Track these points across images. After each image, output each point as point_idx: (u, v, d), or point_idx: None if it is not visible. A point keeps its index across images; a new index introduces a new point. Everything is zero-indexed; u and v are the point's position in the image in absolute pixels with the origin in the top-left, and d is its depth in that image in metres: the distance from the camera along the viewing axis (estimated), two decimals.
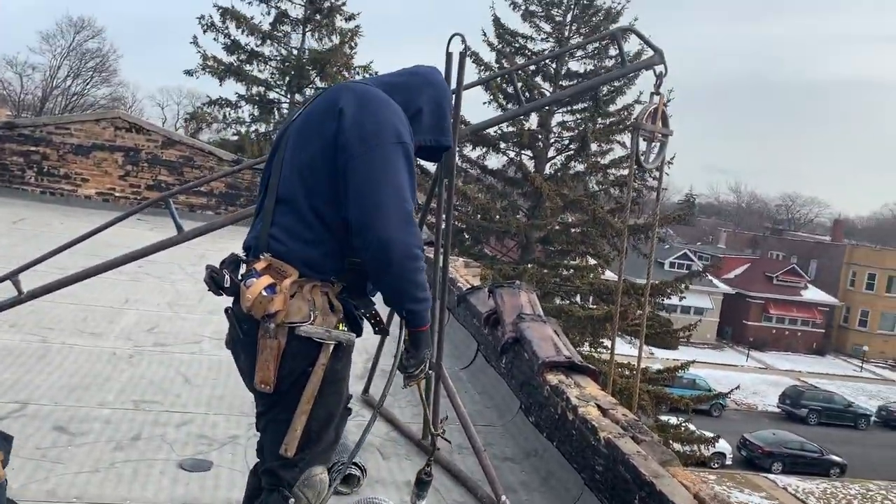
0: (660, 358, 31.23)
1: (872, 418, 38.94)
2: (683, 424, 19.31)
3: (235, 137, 23.78)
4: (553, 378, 4.68)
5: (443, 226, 4.21)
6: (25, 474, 3.61)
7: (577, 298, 21.45)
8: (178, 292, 7.71)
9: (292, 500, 2.38)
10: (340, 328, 2.39)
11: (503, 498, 3.91)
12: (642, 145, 5.04)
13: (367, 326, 2.57)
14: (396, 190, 2.32)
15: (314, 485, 2.42)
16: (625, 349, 21.45)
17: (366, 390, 5.31)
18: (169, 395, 4.93)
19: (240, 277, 2.41)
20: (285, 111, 24.08)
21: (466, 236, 22.42)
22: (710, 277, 46.51)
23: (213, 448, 4.23)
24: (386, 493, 3.77)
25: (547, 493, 4.19)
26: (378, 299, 2.55)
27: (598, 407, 4.17)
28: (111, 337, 5.97)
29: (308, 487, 2.40)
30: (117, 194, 12.58)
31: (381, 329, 2.61)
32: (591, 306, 20.78)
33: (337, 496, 3.84)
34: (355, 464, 3.95)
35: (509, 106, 20.53)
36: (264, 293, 2.28)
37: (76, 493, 3.56)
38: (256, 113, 24.61)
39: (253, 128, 24.32)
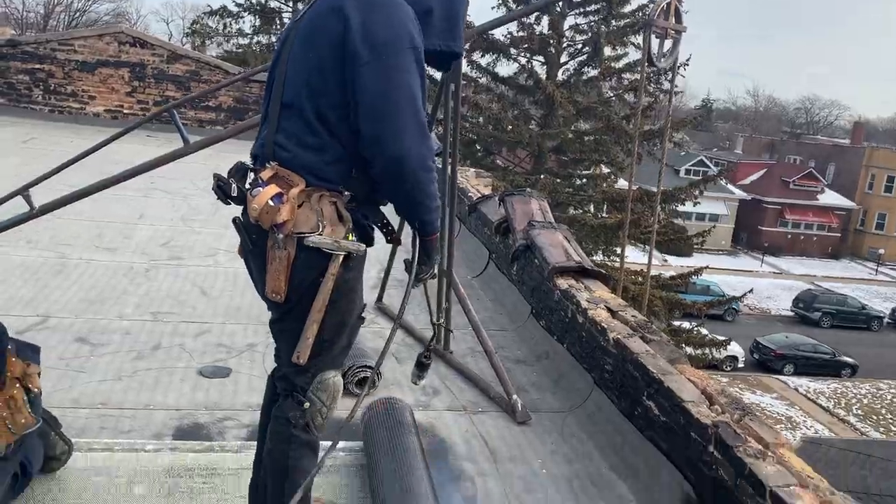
0: (674, 265, 31.31)
1: (886, 320, 39.19)
2: (696, 329, 19.53)
3: (239, 50, 23.33)
4: (563, 283, 4.71)
5: (450, 130, 4.15)
6: (50, 383, 3.72)
7: (591, 208, 21.38)
8: (190, 207, 7.75)
9: (307, 403, 2.43)
10: (350, 238, 2.37)
11: (514, 396, 4.01)
12: (655, 43, 4.89)
13: (379, 236, 2.55)
14: (410, 100, 2.23)
15: (327, 388, 2.46)
16: (638, 257, 21.52)
17: (379, 299, 5.39)
18: (186, 306, 5.03)
19: (247, 186, 2.39)
20: (287, 20, 23.52)
21: (478, 148, 22.19)
22: (726, 183, 46.10)
23: (232, 356, 4.34)
24: (401, 395, 3.87)
25: (557, 392, 4.28)
26: (388, 209, 2.53)
27: (608, 309, 4.21)
28: (127, 252, 6.04)
29: (321, 391, 2.44)
30: (125, 111, 12.47)
31: (394, 239, 2.60)
32: (603, 215, 20.72)
33: (353, 398, 3.95)
34: (370, 367, 4.04)
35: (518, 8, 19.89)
36: (271, 203, 2.26)
37: (100, 399, 3.69)
38: (258, 23, 24.03)
39: (255, 39, 23.80)
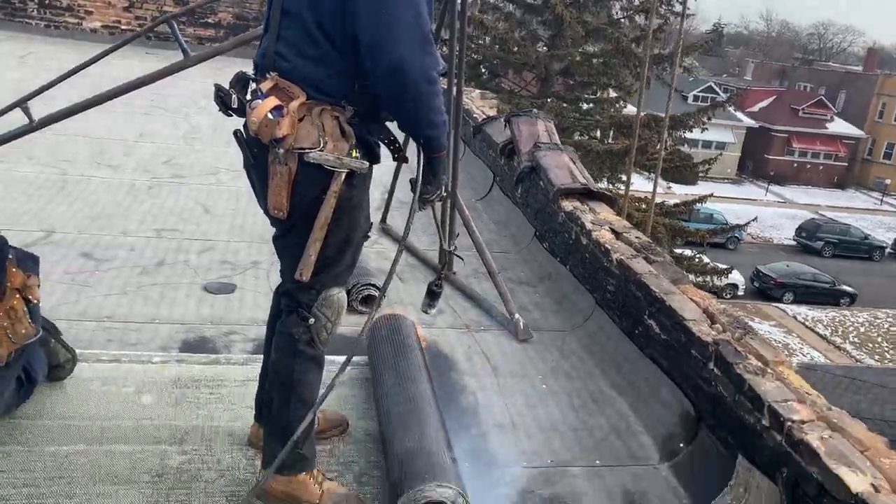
0: (678, 194, 31.13)
1: (888, 250, 39.22)
2: (697, 256, 19.58)
3: None
4: (568, 205, 4.69)
5: (456, 45, 4.05)
6: (56, 297, 3.75)
7: (597, 133, 21.11)
8: (192, 126, 7.66)
9: (311, 320, 2.43)
10: (354, 155, 2.32)
11: (516, 315, 4.05)
12: None
13: (385, 154, 2.50)
14: (411, 5, 2.17)
15: (332, 304, 2.46)
16: (643, 185, 21.39)
17: (383, 220, 5.37)
18: (189, 224, 5.03)
19: (247, 98, 2.34)
20: None
21: (483, 70, 21.74)
22: (734, 110, 45.41)
23: (237, 273, 4.36)
24: (405, 313, 3.90)
25: (559, 312, 4.32)
26: (393, 126, 2.48)
27: (612, 230, 4.20)
28: (128, 169, 6.01)
29: (326, 307, 2.45)
30: (123, 27, 12.19)
31: (401, 157, 2.54)
32: (610, 141, 20.48)
33: (358, 315, 3.99)
34: (374, 286, 4.07)
35: None
36: (270, 116, 2.20)
37: (107, 313, 3.72)
38: None
39: None
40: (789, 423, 2.43)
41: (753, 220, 23.68)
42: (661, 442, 3.11)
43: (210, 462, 2.71)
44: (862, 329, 28.76)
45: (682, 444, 3.03)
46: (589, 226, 4.26)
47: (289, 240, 2.42)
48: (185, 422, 2.92)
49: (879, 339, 28.07)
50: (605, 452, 3.08)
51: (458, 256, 2.92)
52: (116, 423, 2.85)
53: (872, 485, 2.13)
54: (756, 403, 2.60)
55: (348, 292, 4.04)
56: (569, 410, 3.36)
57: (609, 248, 3.93)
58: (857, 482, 2.14)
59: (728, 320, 3.10)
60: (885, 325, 29.47)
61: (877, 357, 25.96)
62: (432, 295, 2.93)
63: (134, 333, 3.57)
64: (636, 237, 4.06)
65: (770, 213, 42.24)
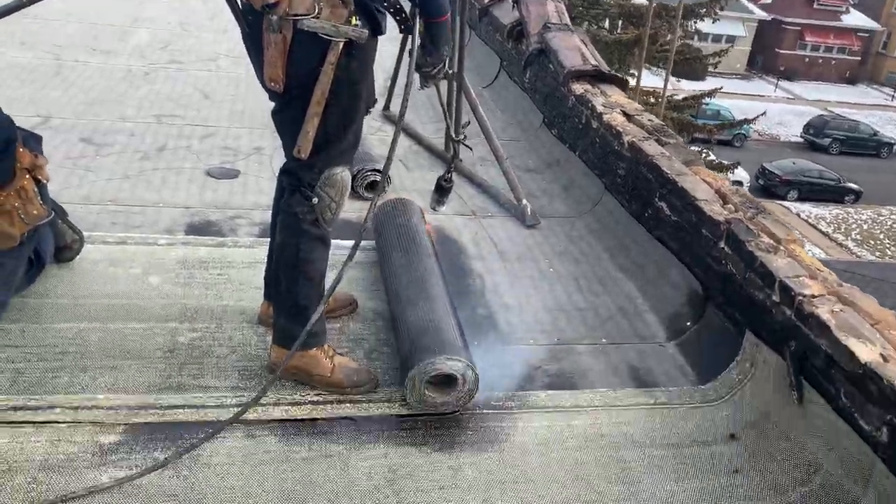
0: (686, 89, 30.51)
1: (895, 147, 38.67)
2: (704, 152, 19.35)
3: None
4: (578, 88, 4.55)
5: None
6: (59, 181, 3.69)
7: (606, 23, 20.44)
8: (189, 10, 7.38)
9: (315, 199, 2.38)
10: (353, 23, 2.21)
11: (524, 201, 4.01)
12: None
13: (391, 26, 2.37)
14: None
15: (335, 183, 2.40)
16: (651, 80, 20.85)
17: (386, 107, 5.25)
18: (189, 109, 4.91)
19: None
20: None
21: None
22: (746, 2, 43.83)
23: (239, 158, 4.29)
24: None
25: (567, 198, 4.27)
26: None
27: (624, 113, 4.09)
28: (124, 55, 5.82)
29: (329, 187, 2.38)
30: None
31: (407, 26, 2.41)
32: (619, 32, 19.85)
33: (362, 201, 3.95)
34: (380, 171, 4.00)
35: None
36: None
37: (110, 196, 3.68)
38: None
39: None
40: (800, 298, 2.42)
41: (762, 114, 23.26)
42: (667, 321, 3.13)
43: (221, 339, 2.73)
44: (865, 226, 28.75)
45: (688, 323, 3.04)
46: (600, 108, 4.15)
47: (287, 114, 2.33)
48: (195, 301, 2.92)
49: (882, 236, 28.11)
50: (612, 331, 3.10)
51: (465, 146, 2.80)
52: (126, 301, 2.86)
53: (882, 355, 2.14)
54: (767, 280, 2.59)
55: (353, 178, 3.98)
56: (575, 292, 3.36)
57: (620, 130, 3.84)
58: (866, 352, 2.15)
59: (741, 200, 3.06)
60: (889, 223, 29.43)
61: (878, 254, 26.08)
62: (441, 191, 2.85)
63: (138, 217, 3.54)
64: (648, 120, 3.96)
65: (778, 110, 41.44)
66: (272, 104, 2.39)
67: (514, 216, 4.03)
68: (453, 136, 2.90)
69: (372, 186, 3.99)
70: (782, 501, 2.27)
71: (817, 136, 37.62)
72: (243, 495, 2.11)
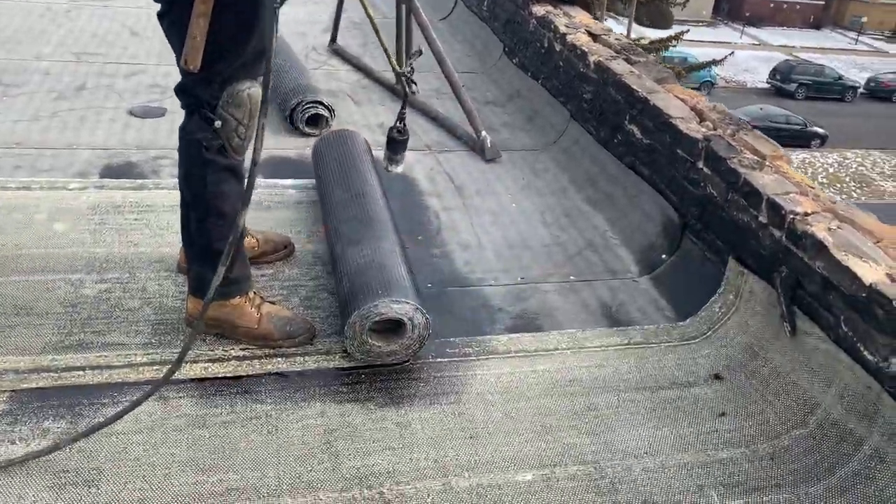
0: (651, 38, 30.10)
1: (860, 90, 38.81)
2: None
3: None
4: (539, 9, 4.18)
5: None
6: None
7: None
8: None
9: (217, 122, 1.99)
10: None
11: (483, 133, 3.66)
12: None
13: None
14: None
15: (241, 102, 1.99)
16: (616, 28, 20.40)
17: (333, 40, 4.84)
18: (115, 47, 4.45)
19: None
20: None
21: None
22: None
23: (167, 96, 3.86)
24: None
25: (531, 130, 3.93)
26: None
27: (589, 33, 3.73)
28: None
29: (234, 106, 1.98)
30: None
31: None
32: None
33: (304, 137, 3.58)
34: (323, 104, 3.62)
35: None
36: None
37: (16, 139, 3.27)
38: None
39: None
40: (792, 217, 2.12)
41: (730, 54, 22.97)
42: (640, 254, 2.83)
43: (133, 290, 2.37)
44: (831, 170, 28.86)
45: (663, 255, 2.75)
46: (563, 29, 3.79)
47: (173, 16, 1.92)
48: (105, 249, 2.56)
49: (847, 179, 28.26)
50: (580, 267, 2.79)
51: (412, 81, 2.28)
52: (24, 251, 2.49)
53: (888, 275, 1.85)
54: (753, 199, 2.29)
55: (292, 111, 3.60)
56: (540, 227, 3.05)
57: (586, 50, 3.49)
58: (870, 272, 1.87)
59: (719, 117, 2.74)
60: (854, 166, 29.58)
61: (843, 196, 26.22)
62: (394, 145, 2.34)
63: (48, 160, 3.13)
64: (615, 39, 3.61)
65: (745, 57, 41.22)
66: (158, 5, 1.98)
67: (473, 150, 3.69)
68: (397, 67, 2.35)
69: (314, 121, 3.62)
70: (774, 446, 2.00)
71: (784, 82, 37.57)
72: (148, 467, 1.78)
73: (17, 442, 1.80)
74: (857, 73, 41.20)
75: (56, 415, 1.89)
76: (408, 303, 2.10)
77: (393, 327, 2.16)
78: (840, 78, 38.14)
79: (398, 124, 2.31)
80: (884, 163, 30.00)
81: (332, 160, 2.89)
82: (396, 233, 2.49)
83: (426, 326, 2.13)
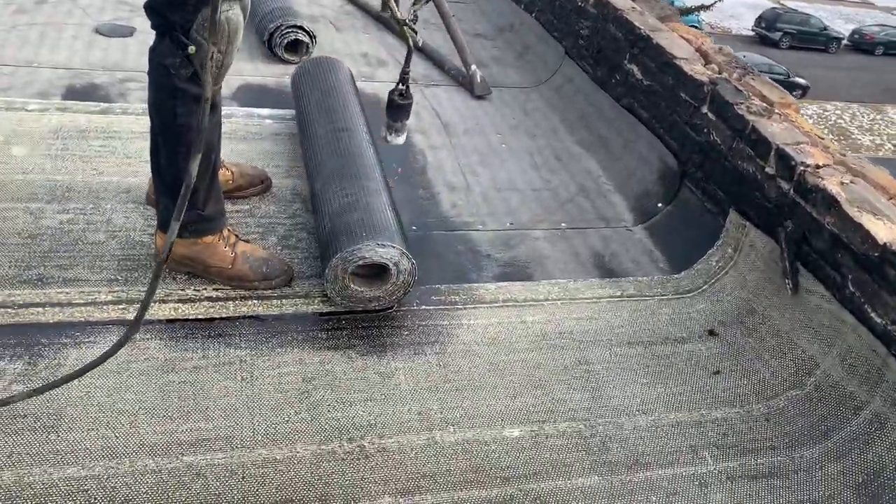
0: None
1: (844, 42, 38.61)
2: None
3: None
4: None
5: None
6: None
7: None
8: None
9: (191, 47, 1.79)
10: None
11: (473, 67, 3.48)
12: None
13: None
14: None
15: (218, 26, 1.79)
16: None
17: None
18: None
19: None
20: None
21: None
22: None
23: (136, 14, 3.61)
24: None
25: (522, 66, 3.75)
26: None
27: None
28: None
29: (209, 31, 1.78)
30: None
31: None
32: None
33: (284, 64, 3.38)
34: (304, 29, 3.41)
35: None
36: None
37: None
38: None
39: None
40: (802, 169, 2.01)
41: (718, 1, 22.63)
42: (635, 201, 2.72)
43: (98, 222, 2.21)
44: (811, 122, 28.84)
45: (660, 204, 2.64)
46: None
47: None
48: (67, 176, 2.38)
49: (826, 132, 28.30)
50: (572, 214, 2.68)
51: (413, 30, 2.01)
52: None
53: None
54: (760, 148, 2.17)
55: (270, 36, 3.38)
56: (531, 170, 2.91)
57: None
58: (884, 231, 1.77)
59: (725, 59, 2.60)
60: (833, 118, 29.60)
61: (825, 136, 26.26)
62: (396, 111, 2.05)
63: (5, 77, 2.91)
64: None
65: (731, 3, 40.64)
66: None
67: (462, 85, 3.51)
68: (398, 15, 2.05)
69: (293, 47, 3.40)
70: (770, 407, 1.94)
71: (769, 30, 37.19)
72: (113, 414, 1.66)
73: None
74: (842, 24, 40.91)
75: (13, 355, 1.75)
76: (393, 247, 1.97)
77: (377, 272, 2.03)
78: (825, 28, 37.87)
79: (400, 86, 2.04)
80: (862, 116, 30.07)
81: (314, 90, 2.71)
82: (382, 171, 2.34)
83: (412, 273, 2.01)
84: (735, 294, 2.23)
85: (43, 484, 1.50)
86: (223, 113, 2.87)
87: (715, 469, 1.77)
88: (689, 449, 1.81)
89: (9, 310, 1.86)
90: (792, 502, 1.72)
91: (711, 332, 2.16)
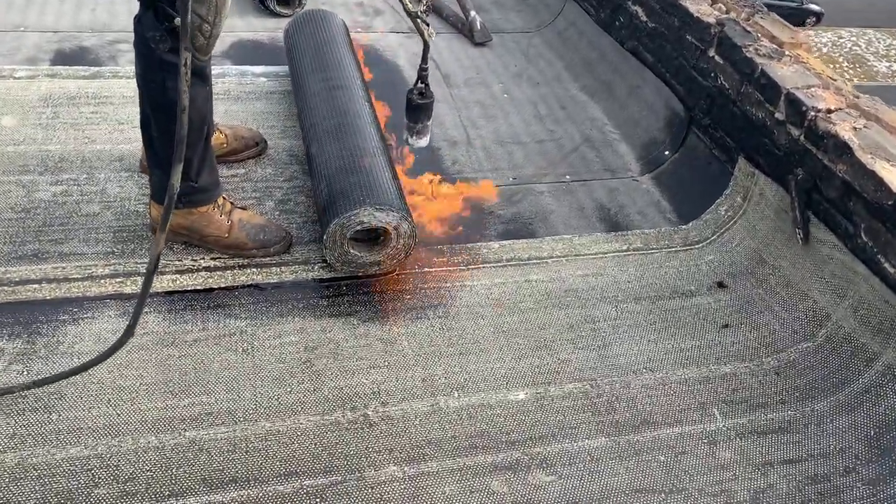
0: None
1: None
2: None
3: None
4: None
5: None
6: None
7: None
8: None
9: (176, 19, 1.70)
10: None
11: (472, 13, 3.37)
12: None
13: None
14: None
15: None
16: None
17: None
18: None
19: None
20: None
21: None
22: None
23: None
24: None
25: (523, 10, 3.63)
26: None
27: None
28: None
29: (197, 2, 1.69)
30: None
31: None
32: None
33: (277, 18, 3.28)
34: None
35: None
36: None
37: None
38: None
39: None
40: (813, 114, 1.93)
41: None
42: (641, 150, 2.65)
43: (92, 193, 2.17)
44: (825, 49, 28.12)
45: (667, 152, 2.56)
46: None
47: None
48: (60, 146, 2.33)
49: (841, 59, 27.61)
50: (576, 165, 2.61)
51: (425, 22, 1.91)
52: None
53: None
54: (770, 92, 2.08)
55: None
56: (534, 121, 2.83)
57: None
58: None
59: None
60: (848, 45, 28.84)
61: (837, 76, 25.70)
62: (416, 112, 1.94)
63: None
64: None
65: None
66: None
67: (461, 32, 3.41)
68: (409, 6, 1.88)
69: (285, 0, 3.30)
70: (780, 360, 1.90)
71: None
72: (114, 391, 1.65)
73: None
74: None
75: (11, 333, 1.74)
76: (392, 210, 1.92)
77: (376, 236, 1.99)
78: None
79: (418, 84, 1.96)
80: (878, 42, 29.24)
81: (307, 45, 2.63)
82: (379, 130, 2.28)
83: (412, 235, 1.97)
84: (744, 244, 2.17)
85: (46, 465, 1.49)
86: (215, 72, 2.82)
87: (724, 426, 1.75)
88: (698, 406, 1.79)
89: (5, 287, 1.85)
90: (802, 456, 1.70)
91: (720, 285, 2.12)
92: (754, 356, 1.92)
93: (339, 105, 2.30)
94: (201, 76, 1.86)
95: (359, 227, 1.92)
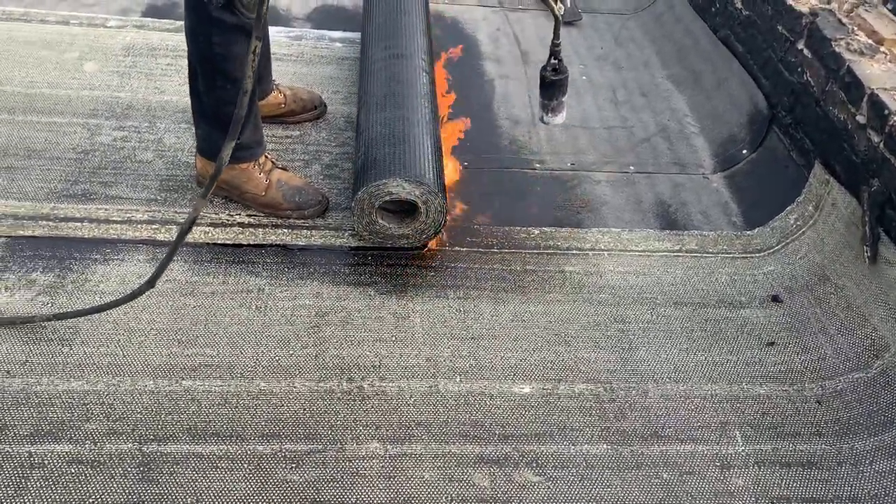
0: None
1: None
2: None
3: None
4: None
5: None
6: None
7: None
8: None
9: None
10: None
11: None
12: None
13: None
14: None
15: None
16: None
17: None
18: None
19: None
20: None
21: None
22: None
23: None
24: None
25: None
26: None
27: None
28: None
29: None
30: None
31: None
32: None
33: None
34: None
35: None
36: None
37: None
38: None
39: None
40: (895, 119, 1.71)
41: None
42: (718, 146, 2.46)
43: (149, 141, 2.25)
44: None
45: (744, 151, 2.37)
46: None
47: None
48: (130, 94, 2.43)
49: None
50: (644, 156, 2.46)
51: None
52: (47, 91, 2.39)
53: None
54: (853, 92, 1.87)
55: None
56: (608, 106, 2.69)
57: None
58: None
59: None
60: None
61: None
62: (550, 89, 1.87)
63: None
64: None
65: None
66: None
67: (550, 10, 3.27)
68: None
69: None
70: (824, 389, 1.72)
71: None
72: (125, 332, 1.70)
73: (3, 291, 1.75)
74: None
75: (46, 267, 1.82)
76: (422, 183, 1.87)
77: (407, 209, 1.95)
78: None
79: (552, 60, 1.87)
80: None
81: (379, 12, 2.59)
82: (432, 102, 2.22)
83: (441, 211, 1.90)
84: (809, 258, 1.98)
85: (47, 394, 1.56)
86: (293, 35, 2.84)
87: (743, 450, 1.60)
88: (719, 425, 1.65)
89: (51, 222, 1.94)
90: (827, 497, 1.53)
91: (775, 299, 1.94)
92: (796, 380, 1.75)
93: (394, 73, 2.26)
94: (247, 32, 1.86)
95: (387, 198, 1.88)
